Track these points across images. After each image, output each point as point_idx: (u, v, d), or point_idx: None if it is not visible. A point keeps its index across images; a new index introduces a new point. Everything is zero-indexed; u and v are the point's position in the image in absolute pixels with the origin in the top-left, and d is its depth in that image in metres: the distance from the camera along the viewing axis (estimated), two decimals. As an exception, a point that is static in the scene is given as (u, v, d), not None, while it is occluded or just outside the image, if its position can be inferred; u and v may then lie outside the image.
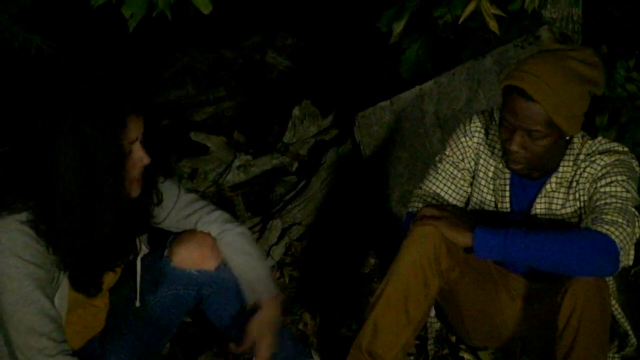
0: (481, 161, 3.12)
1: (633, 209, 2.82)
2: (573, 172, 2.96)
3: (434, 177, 3.20)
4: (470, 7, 3.84)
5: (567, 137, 2.90)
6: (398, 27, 4.42)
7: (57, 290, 2.72)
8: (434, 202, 3.15)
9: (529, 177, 3.03)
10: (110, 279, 2.92)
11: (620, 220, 2.74)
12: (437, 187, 3.18)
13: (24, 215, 2.61)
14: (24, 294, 2.61)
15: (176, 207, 3.03)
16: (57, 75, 2.69)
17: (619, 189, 2.83)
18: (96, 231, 2.68)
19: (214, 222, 3.07)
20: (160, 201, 2.97)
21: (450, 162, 3.16)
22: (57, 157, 2.57)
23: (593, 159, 2.92)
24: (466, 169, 3.15)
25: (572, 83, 2.77)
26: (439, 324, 3.35)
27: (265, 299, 3.02)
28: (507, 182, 3.06)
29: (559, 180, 2.97)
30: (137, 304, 3.04)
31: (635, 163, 2.93)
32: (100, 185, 2.62)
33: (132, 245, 2.95)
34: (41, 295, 2.63)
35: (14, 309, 2.62)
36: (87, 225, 2.66)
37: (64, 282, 2.74)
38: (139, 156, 2.71)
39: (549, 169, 2.99)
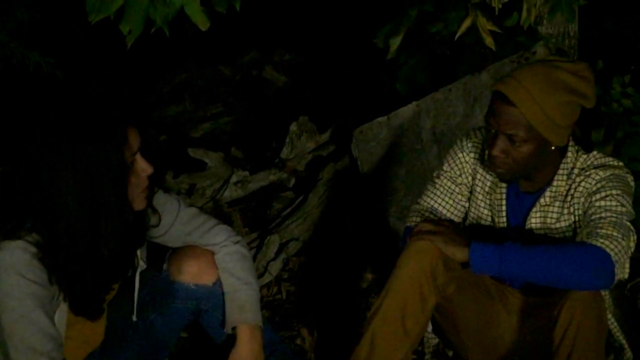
0: (478, 176, 3.13)
1: (628, 223, 2.82)
2: (567, 186, 2.97)
3: (432, 192, 3.21)
4: (467, 23, 3.87)
5: (554, 148, 2.89)
6: (395, 43, 4.45)
7: (57, 307, 2.72)
8: (431, 217, 3.15)
9: (525, 190, 3.04)
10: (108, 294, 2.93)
11: (615, 234, 2.74)
12: (435, 202, 3.19)
13: (28, 237, 2.62)
14: (24, 313, 2.60)
15: (177, 222, 3.03)
16: (52, 93, 2.69)
17: (613, 203, 2.83)
18: (103, 250, 2.68)
19: (213, 238, 3.08)
20: (156, 212, 2.97)
21: (448, 178, 3.18)
22: (58, 181, 2.56)
23: (588, 173, 2.93)
24: (464, 184, 3.16)
25: (556, 92, 2.78)
26: (436, 339, 3.35)
27: (243, 328, 3.02)
28: (503, 196, 3.07)
29: (553, 194, 2.98)
30: (134, 318, 3.04)
31: (630, 178, 2.94)
32: (105, 203, 2.62)
33: (131, 260, 2.95)
34: (42, 314, 2.62)
35: (15, 328, 2.61)
36: (93, 246, 2.66)
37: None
38: (143, 167, 2.72)
39: (544, 182, 3.00)
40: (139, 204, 2.77)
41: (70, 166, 2.56)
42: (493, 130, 2.87)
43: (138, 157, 2.70)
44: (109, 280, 2.84)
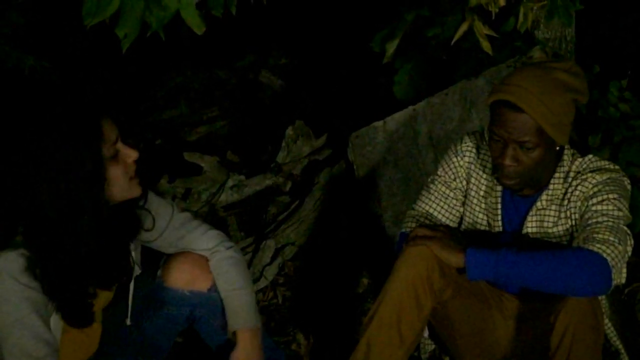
0: (472, 180, 3.13)
1: (625, 227, 2.82)
2: (564, 190, 2.97)
3: (427, 198, 3.20)
4: (463, 28, 3.87)
5: (558, 148, 2.90)
6: (391, 48, 4.44)
7: (52, 313, 2.71)
8: (427, 222, 3.15)
9: (521, 194, 3.03)
10: (103, 300, 2.91)
11: (612, 238, 2.74)
12: (430, 207, 3.19)
13: (23, 242, 2.60)
14: (19, 318, 2.59)
15: (170, 226, 3.02)
16: (47, 98, 2.67)
17: (610, 207, 2.83)
18: (82, 251, 2.66)
19: (205, 243, 3.07)
20: (150, 215, 2.97)
21: (443, 182, 3.17)
22: (33, 183, 2.55)
23: (584, 177, 2.93)
24: (458, 189, 3.16)
25: (557, 92, 2.80)
26: (432, 345, 3.34)
27: (242, 332, 3.01)
28: (499, 200, 3.06)
29: (549, 198, 2.98)
30: (128, 322, 3.02)
31: (626, 181, 2.94)
32: (80, 202, 2.59)
33: (126, 264, 2.94)
34: (37, 319, 2.61)
35: (9, 332, 2.60)
36: (73, 248, 2.64)
37: None
38: (127, 153, 2.69)
39: (540, 186, 2.99)
40: (133, 191, 2.76)
41: (43, 168, 2.55)
42: (499, 141, 2.86)
43: (120, 145, 2.68)
44: (97, 285, 2.82)
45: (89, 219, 2.63)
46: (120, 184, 2.70)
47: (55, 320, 2.72)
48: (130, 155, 2.71)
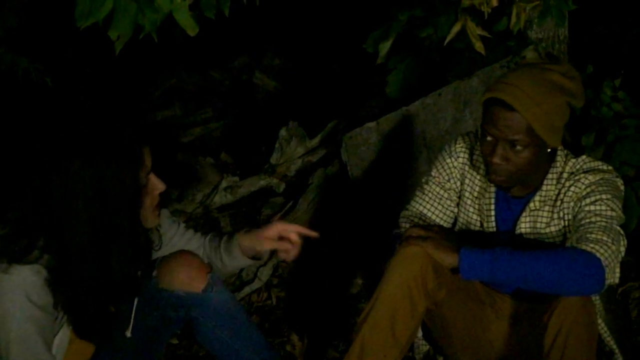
0: (466, 181, 3.13)
1: (618, 228, 2.82)
2: (557, 191, 2.97)
3: (421, 198, 3.20)
4: (456, 28, 3.86)
5: (549, 150, 2.91)
6: (384, 48, 4.45)
7: (61, 328, 2.72)
8: (420, 222, 3.15)
9: (514, 195, 3.04)
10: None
11: (605, 238, 2.74)
12: (424, 207, 3.19)
13: (41, 259, 2.60)
14: (22, 335, 2.59)
15: (178, 233, 3.06)
16: (42, 100, 2.67)
17: (603, 207, 2.84)
18: (114, 274, 2.67)
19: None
20: (159, 233, 2.99)
21: (437, 183, 3.17)
22: (69, 202, 2.56)
23: (577, 177, 2.93)
24: (452, 189, 3.16)
25: (552, 94, 2.80)
26: (427, 345, 3.34)
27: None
28: (492, 201, 3.07)
29: (542, 199, 2.98)
30: (128, 334, 3.01)
31: (619, 182, 2.94)
32: (117, 226, 2.62)
33: (137, 282, 2.94)
34: (39, 339, 2.61)
35: (10, 347, 2.60)
36: (103, 269, 2.65)
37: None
38: (156, 184, 2.73)
39: (533, 187, 3.00)
40: (151, 222, 2.79)
41: (81, 188, 2.56)
42: (490, 139, 2.86)
43: (152, 175, 2.71)
44: (115, 303, 2.83)
45: (124, 242, 2.65)
46: (144, 213, 2.73)
47: (63, 334, 2.73)
48: (158, 187, 2.74)
